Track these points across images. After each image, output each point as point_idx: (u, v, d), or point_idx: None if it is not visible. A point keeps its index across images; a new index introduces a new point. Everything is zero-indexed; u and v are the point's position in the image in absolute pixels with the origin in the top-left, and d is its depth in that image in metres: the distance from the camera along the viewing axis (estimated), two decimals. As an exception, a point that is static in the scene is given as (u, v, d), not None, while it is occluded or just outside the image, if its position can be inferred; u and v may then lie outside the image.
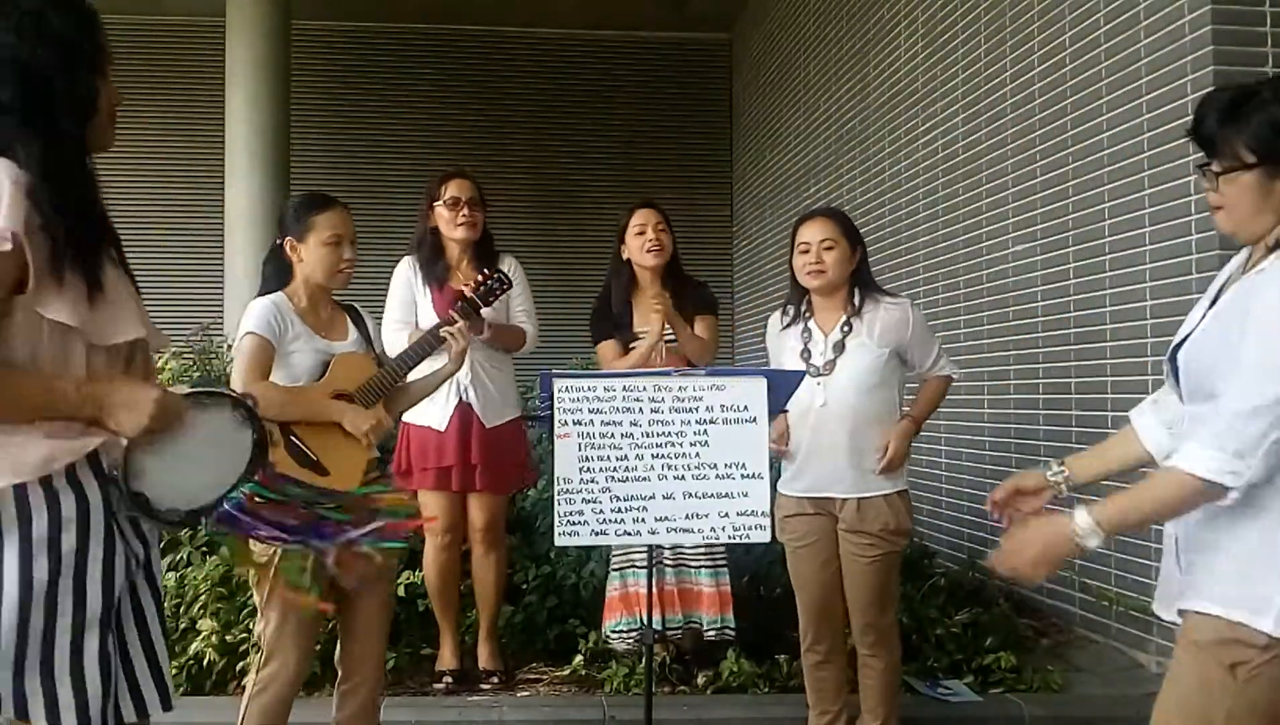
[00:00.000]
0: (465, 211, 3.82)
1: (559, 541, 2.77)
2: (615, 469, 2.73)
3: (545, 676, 3.88)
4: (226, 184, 7.76)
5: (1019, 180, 4.85)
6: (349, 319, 2.96)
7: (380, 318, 3.73)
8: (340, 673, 2.87)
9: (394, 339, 3.65)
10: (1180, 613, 1.81)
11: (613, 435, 2.73)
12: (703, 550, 3.69)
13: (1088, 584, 4.27)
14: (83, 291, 1.63)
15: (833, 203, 7.05)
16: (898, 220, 6.25)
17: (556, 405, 2.74)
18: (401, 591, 3.76)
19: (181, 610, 3.79)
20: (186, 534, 4.10)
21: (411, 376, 3.11)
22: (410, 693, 3.72)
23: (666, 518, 2.74)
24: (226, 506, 1.86)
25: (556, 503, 2.72)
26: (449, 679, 3.77)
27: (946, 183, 5.61)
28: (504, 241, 4.07)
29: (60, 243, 1.59)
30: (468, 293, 3.30)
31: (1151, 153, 3.92)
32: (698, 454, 2.74)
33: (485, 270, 3.40)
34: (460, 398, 3.74)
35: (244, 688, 2.85)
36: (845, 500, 3.03)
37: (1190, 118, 1.85)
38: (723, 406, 2.75)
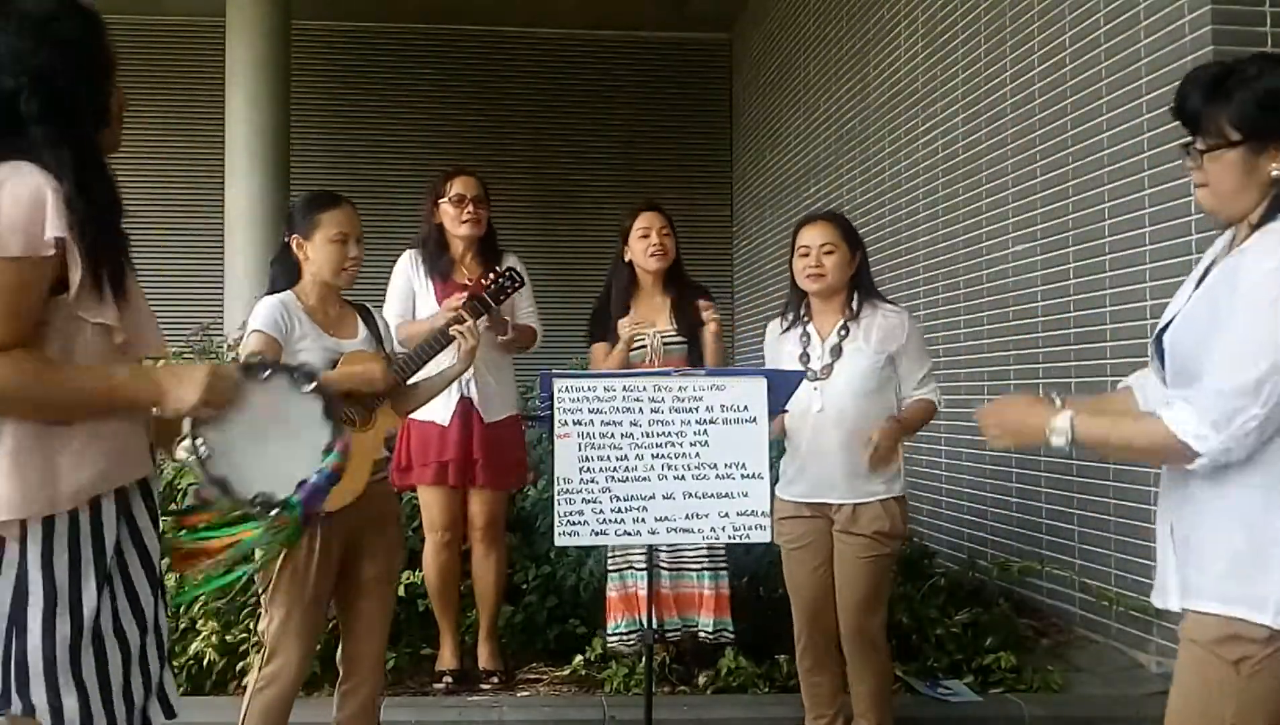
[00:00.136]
0: (470, 208, 3.83)
1: (559, 541, 2.77)
2: (615, 469, 2.73)
3: (545, 676, 3.88)
4: (226, 184, 7.75)
5: (1019, 180, 4.86)
6: (359, 318, 2.96)
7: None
8: (340, 673, 2.87)
9: (393, 331, 3.66)
10: (1182, 611, 1.81)
11: (613, 435, 2.73)
12: (703, 552, 3.68)
13: (1088, 584, 4.27)
14: (111, 297, 1.67)
15: (833, 203, 7.05)
16: (898, 220, 6.25)
17: (556, 405, 2.74)
18: (401, 591, 3.76)
19: (181, 610, 3.78)
20: (186, 534, 4.09)
21: (418, 376, 3.11)
22: (410, 693, 3.72)
23: (666, 518, 2.74)
24: (315, 478, 1.85)
25: (556, 503, 2.72)
26: (449, 679, 3.77)
27: (946, 183, 5.61)
28: (504, 241, 4.08)
29: (96, 248, 1.62)
30: (482, 284, 3.29)
31: (1151, 153, 3.92)
32: (698, 454, 2.74)
33: (496, 268, 3.39)
34: (462, 393, 3.74)
35: (244, 687, 2.85)
36: (841, 505, 3.03)
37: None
38: (723, 406, 2.75)
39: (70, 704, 1.62)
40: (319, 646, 3.43)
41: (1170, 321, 1.87)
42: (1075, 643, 4.28)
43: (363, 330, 2.93)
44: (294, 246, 2.87)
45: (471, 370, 3.68)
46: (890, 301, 3.23)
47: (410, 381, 3.01)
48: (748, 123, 9.91)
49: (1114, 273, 4.13)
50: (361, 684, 2.84)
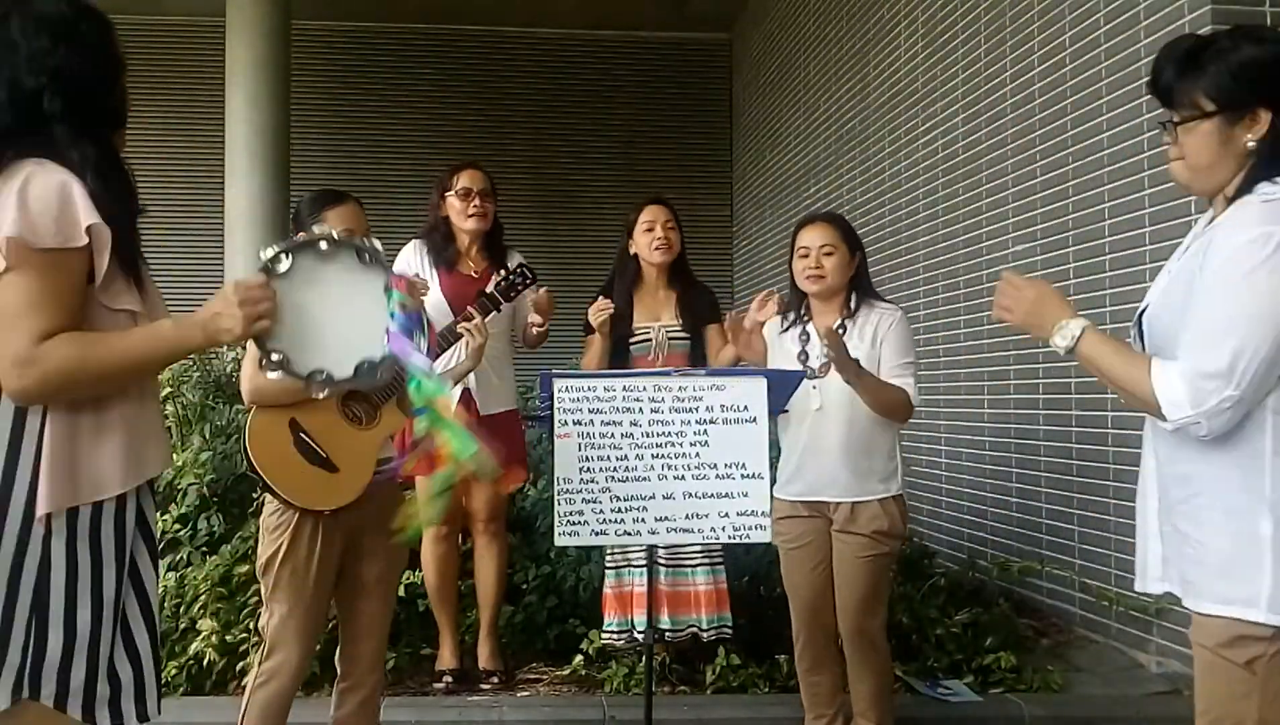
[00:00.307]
0: (477, 202, 3.84)
1: (559, 541, 2.77)
2: (615, 469, 2.73)
3: (545, 676, 3.88)
4: (226, 184, 7.76)
5: (1019, 180, 4.86)
6: None
7: None
8: (340, 671, 2.87)
9: None
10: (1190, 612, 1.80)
11: (613, 435, 2.74)
12: (700, 547, 3.68)
13: (1088, 584, 4.27)
14: (133, 286, 1.74)
15: (833, 203, 7.06)
16: (898, 220, 6.25)
17: (556, 405, 2.74)
18: (401, 591, 3.75)
19: (181, 610, 3.79)
20: (186, 534, 4.10)
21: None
22: (410, 693, 3.72)
23: (666, 518, 2.74)
24: (393, 328, 1.84)
25: (556, 503, 2.72)
26: (449, 679, 3.77)
27: (946, 183, 5.61)
28: (505, 240, 4.08)
29: (119, 239, 1.68)
30: (488, 288, 3.29)
31: (1151, 153, 3.92)
32: (698, 454, 2.75)
33: (508, 263, 3.39)
34: (464, 386, 3.75)
35: (244, 687, 2.85)
36: (839, 503, 3.03)
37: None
38: (723, 406, 2.75)
39: (76, 687, 1.67)
40: (319, 646, 3.43)
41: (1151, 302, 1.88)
42: (1075, 643, 4.28)
43: None
44: None
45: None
46: (888, 301, 3.24)
47: None
48: (748, 123, 9.91)
49: (1114, 273, 4.13)
50: (360, 683, 2.84)
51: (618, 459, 2.73)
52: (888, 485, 3.05)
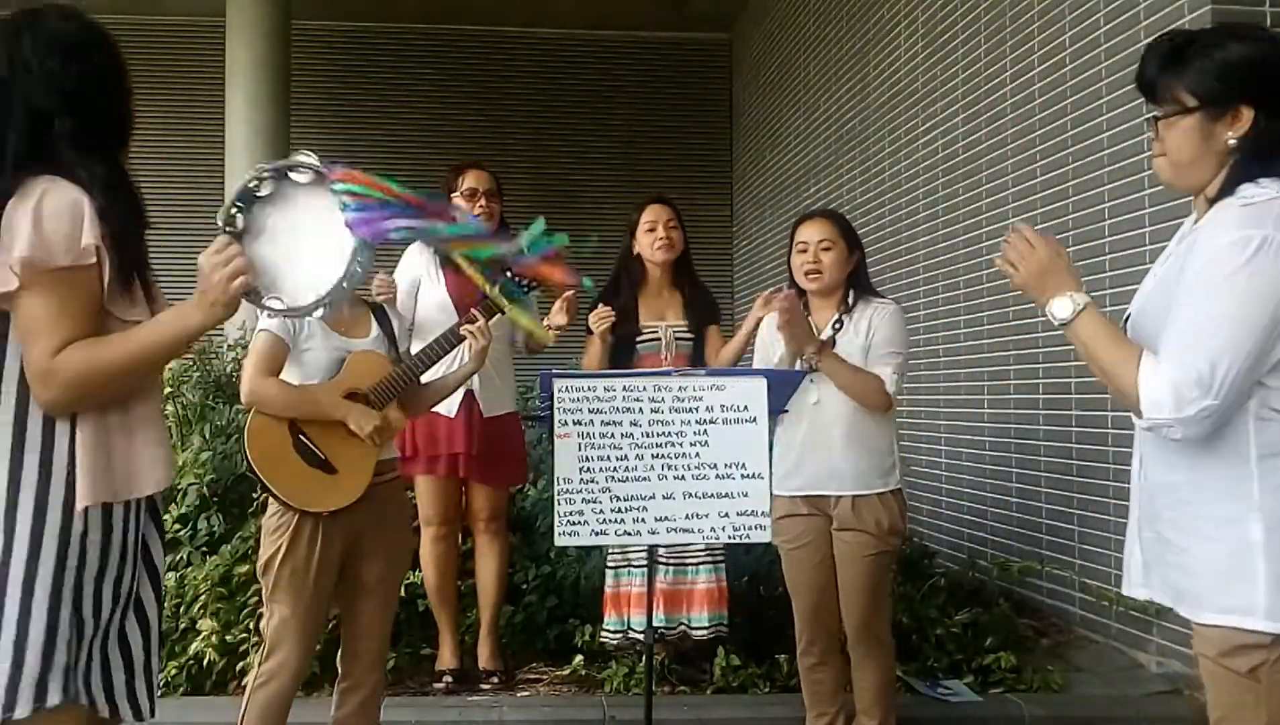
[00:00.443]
0: (482, 202, 3.85)
1: (559, 541, 2.77)
2: (615, 469, 2.73)
3: (545, 676, 3.88)
4: (226, 184, 7.75)
5: (1019, 180, 4.86)
6: (373, 317, 2.95)
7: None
8: (340, 671, 2.87)
9: None
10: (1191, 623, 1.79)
11: (613, 435, 2.73)
12: (702, 545, 3.68)
13: (1088, 584, 4.27)
14: (143, 297, 1.80)
15: (833, 203, 7.06)
16: (898, 220, 6.25)
17: (556, 405, 2.74)
18: (401, 591, 3.76)
19: (181, 610, 3.79)
20: (186, 534, 4.10)
21: (429, 375, 3.10)
22: (410, 693, 3.72)
23: (666, 518, 2.74)
24: (350, 218, 1.86)
25: (556, 503, 2.72)
26: (449, 679, 3.77)
27: (946, 183, 5.61)
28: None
29: (127, 254, 1.75)
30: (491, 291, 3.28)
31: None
32: (698, 454, 2.74)
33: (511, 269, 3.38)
34: (467, 387, 3.75)
35: (244, 687, 2.85)
36: (839, 498, 3.03)
37: None
38: (723, 406, 2.75)
39: (116, 683, 1.78)
40: (319, 646, 3.43)
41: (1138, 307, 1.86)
42: (1075, 643, 4.28)
43: (375, 330, 2.92)
44: None
45: None
46: (884, 296, 3.25)
47: (422, 380, 3.01)
48: (748, 123, 9.91)
49: (1114, 273, 4.13)
50: (361, 683, 2.84)
51: (618, 459, 2.73)
52: (887, 480, 3.05)
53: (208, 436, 4.43)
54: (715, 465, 2.74)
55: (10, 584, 1.66)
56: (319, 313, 1.85)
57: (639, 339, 3.78)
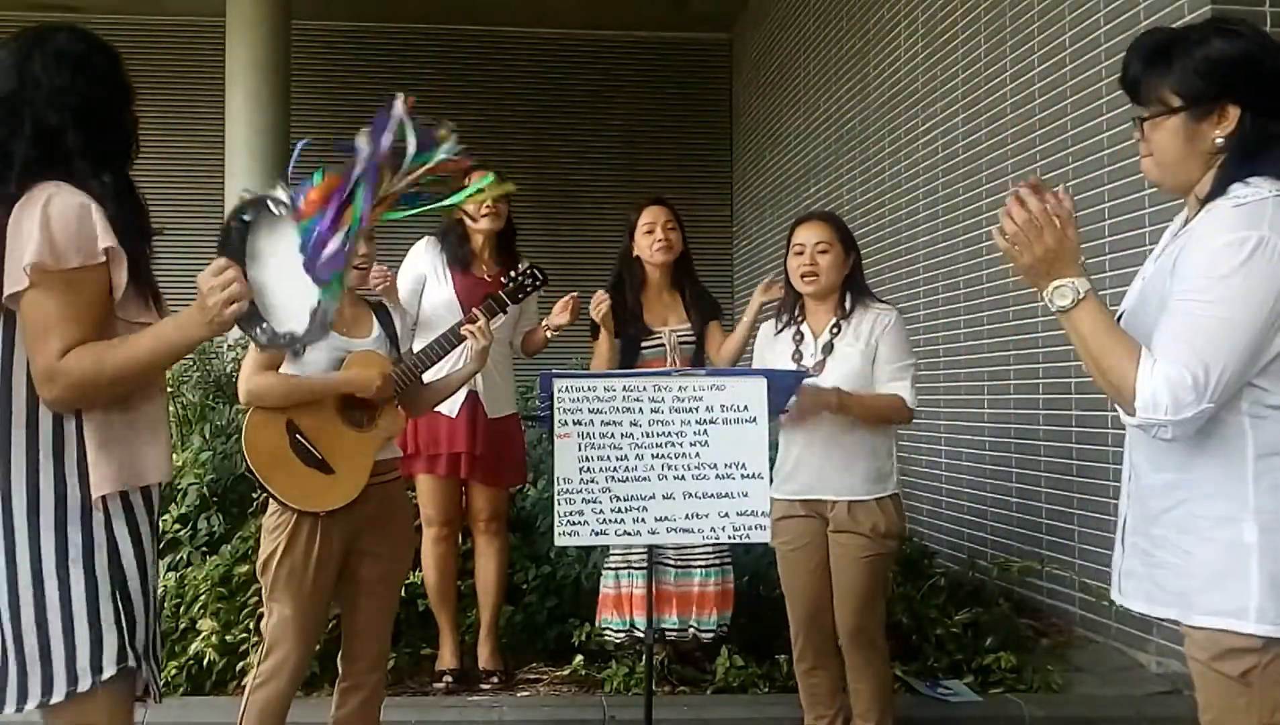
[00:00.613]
0: (489, 203, 3.85)
1: (559, 541, 2.77)
2: (615, 469, 2.72)
3: (545, 676, 3.88)
4: (226, 184, 7.76)
5: (1019, 180, 4.84)
6: (374, 317, 2.95)
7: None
8: (341, 671, 2.87)
9: None
10: (1175, 623, 1.76)
11: (613, 435, 2.73)
12: (709, 547, 3.69)
13: (1088, 584, 4.27)
14: (147, 300, 1.87)
15: (832, 203, 7.06)
16: (898, 220, 6.25)
17: (556, 405, 2.74)
18: (401, 591, 3.76)
19: (181, 610, 3.79)
20: (186, 534, 4.10)
21: (430, 375, 3.10)
22: (410, 693, 3.72)
23: (666, 518, 2.74)
24: (305, 265, 1.83)
25: (556, 503, 2.72)
26: (449, 679, 3.77)
27: (946, 183, 5.61)
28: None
29: (134, 262, 1.81)
30: (501, 283, 3.28)
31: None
32: (698, 454, 2.74)
33: (517, 265, 3.39)
34: (470, 387, 3.75)
35: (244, 687, 2.85)
36: (836, 502, 3.03)
37: None
38: (723, 406, 2.75)
39: (155, 670, 1.86)
40: (319, 645, 3.43)
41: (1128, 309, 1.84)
42: (1075, 643, 4.28)
43: (377, 329, 2.92)
44: None
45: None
46: (883, 301, 3.24)
47: (417, 381, 3.01)
48: (748, 123, 9.91)
49: (1114, 273, 4.13)
50: (361, 683, 2.84)
51: (618, 459, 2.73)
52: (884, 485, 3.05)
53: (208, 436, 4.43)
54: (715, 465, 2.74)
55: (46, 578, 1.73)
56: (292, 356, 1.89)
57: (644, 344, 3.78)
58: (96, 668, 1.74)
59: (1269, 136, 1.69)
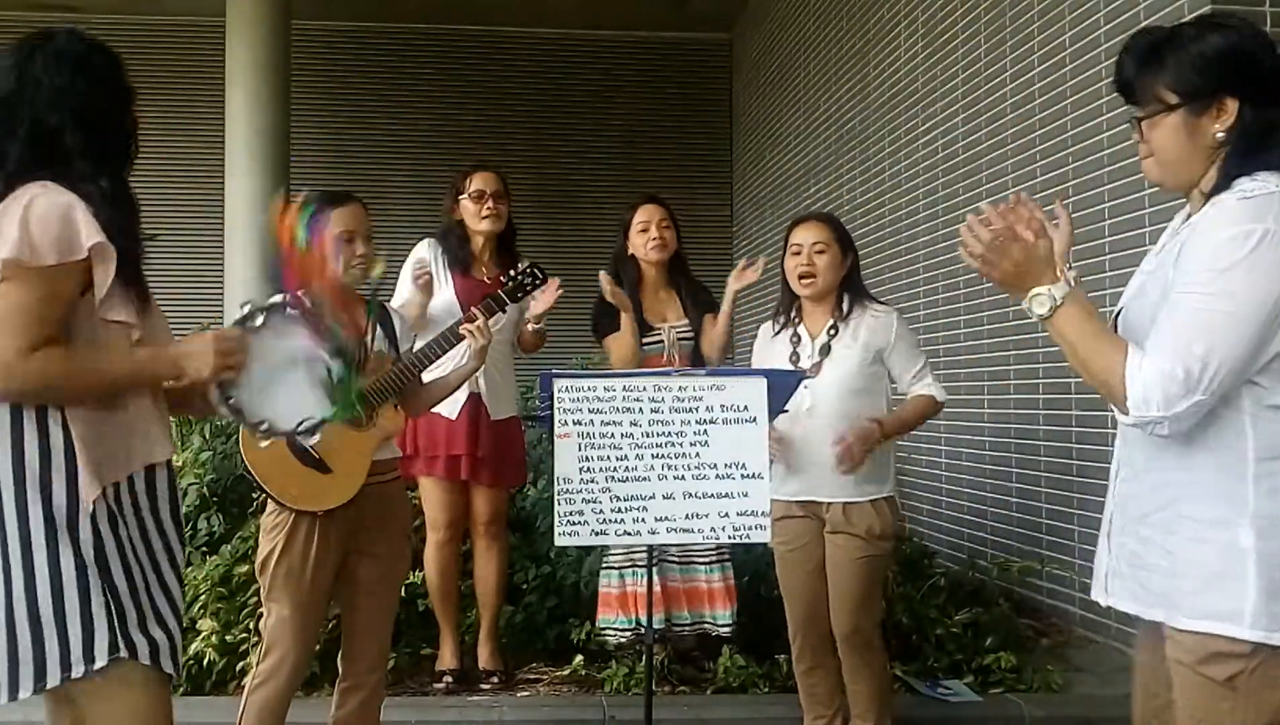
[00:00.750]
0: (490, 204, 3.85)
1: (559, 541, 2.76)
2: (615, 469, 2.72)
3: (545, 676, 3.88)
4: (226, 184, 7.76)
5: (1019, 180, 4.85)
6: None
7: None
8: (341, 671, 2.87)
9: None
10: (1162, 627, 1.74)
11: (613, 435, 2.73)
12: (711, 545, 3.70)
13: (1088, 584, 4.26)
14: (135, 304, 1.88)
15: (832, 203, 7.06)
16: (898, 220, 6.25)
17: (556, 405, 2.73)
18: (401, 591, 3.76)
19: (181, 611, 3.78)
20: (186, 534, 4.10)
21: (428, 374, 3.10)
22: (410, 693, 3.72)
23: (666, 518, 2.74)
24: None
25: (556, 503, 2.72)
26: (449, 679, 3.77)
27: (946, 183, 5.61)
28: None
29: (122, 261, 1.82)
30: (500, 283, 3.28)
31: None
32: (698, 454, 2.74)
33: (517, 265, 3.39)
34: (471, 389, 3.75)
35: (244, 686, 2.85)
36: (832, 504, 3.03)
37: None
38: (723, 406, 2.74)
39: (161, 639, 1.87)
40: (319, 645, 3.43)
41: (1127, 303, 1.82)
42: (1075, 643, 4.28)
43: (376, 329, 2.92)
44: None
45: (482, 368, 3.68)
46: (881, 302, 3.24)
47: (415, 381, 3.00)
48: (748, 123, 9.91)
49: (1114, 273, 4.13)
50: (361, 683, 2.84)
51: (618, 459, 2.72)
52: (880, 487, 3.05)
53: (208, 436, 4.44)
54: (715, 465, 2.74)
55: (38, 568, 1.76)
56: (261, 439, 2.00)
57: (643, 341, 3.78)
58: (89, 658, 1.78)
59: (1270, 127, 1.68)
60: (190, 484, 4.21)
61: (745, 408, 2.74)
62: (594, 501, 2.72)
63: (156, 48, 9.47)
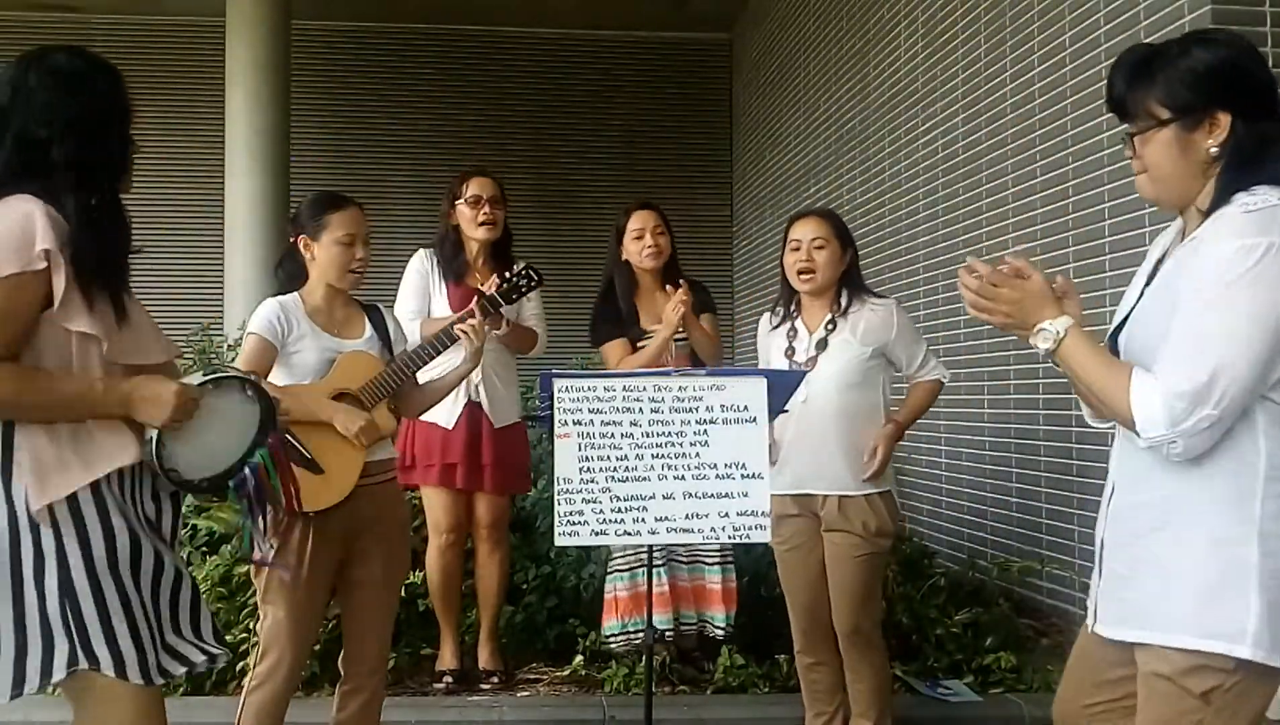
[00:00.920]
0: (486, 209, 3.84)
1: (559, 541, 2.76)
2: (615, 469, 2.72)
3: (545, 676, 3.88)
4: (226, 184, 7.75)
5: (1019, 180, 4.86)
6: (367, 318, 2.95)
7: None
8: (342, 674, 2.87)
9: (408, 329, 3.66)
10: (1133, 644, 1.72)
11: (613, 435, 2.73)
12: (715, 545, 3.70)
13: (1087, 584, 4.26)
14: (110, 316, 1.88)
15: (832, 203, 7.05)
16: (898, 220, 6.25)
17: (556, 405, 2.73)
18: (401, 591, 3.76)
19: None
20: (186, 534, 4.10)
21: (425, 376, 3.09)
22: (410, 693, 3.72)
23: (666, 518, 2.74)
24: (246, 472, 2.07)
25: (556, 503, 2.72)
26: (449, 679, 3.77)
27: (946, 183, 5.61)
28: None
29: (89, 272, 1.83)
30: (489, 290, 3.28)
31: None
32: (698, 454, 2.74)
33: (512, 268, 3.39)
34: (469, 397, 3.75)
35: (244, 687, 2.85)
36: (827, 497, 3.04)
37: None
38: (723, 406, 2.74)
39: (128, 650, 1.84)
40: (318, 646, 3.43)
41: (1125, 320, 1.80)
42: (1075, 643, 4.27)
43: (369, 331, 2.92)
44: (301, 246, 2.87)
45: (480, 375, 3.68)
46: (879, 294, 3.25)
47: (409, 381, 3.00)
48: (748, 123, 9.91)
49: (1114, 273, 4.13)
50: (362, 686, 2.84)
51: (618, 459, 2.72)
52: (876, 482, 3.05)
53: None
54: (715, 465, 2.74)
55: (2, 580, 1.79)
56: (169, 481, 1.99)
57: (639, 345, 3.78)
58: (46, 672, 1.81)
59: (1264, 140, 1.67)
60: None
61: (745, 408, 2.74)
62: (594, 501, 2.72)
63: (156, 48, 9.47)
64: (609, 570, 3.79)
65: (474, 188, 3.87)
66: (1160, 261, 1.82)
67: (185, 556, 4.01)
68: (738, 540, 2.79)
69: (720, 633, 3.73)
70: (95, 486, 1.85)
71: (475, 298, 3.26)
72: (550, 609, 4.08)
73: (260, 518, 2.13)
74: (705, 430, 2.74)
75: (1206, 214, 1.69)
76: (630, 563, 3.74)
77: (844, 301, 3.13)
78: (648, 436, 2.73)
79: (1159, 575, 1.67)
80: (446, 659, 3.84)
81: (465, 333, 3.03)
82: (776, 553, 3.17)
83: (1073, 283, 1.81)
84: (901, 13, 6.21)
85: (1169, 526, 1.67)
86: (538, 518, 4.30)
